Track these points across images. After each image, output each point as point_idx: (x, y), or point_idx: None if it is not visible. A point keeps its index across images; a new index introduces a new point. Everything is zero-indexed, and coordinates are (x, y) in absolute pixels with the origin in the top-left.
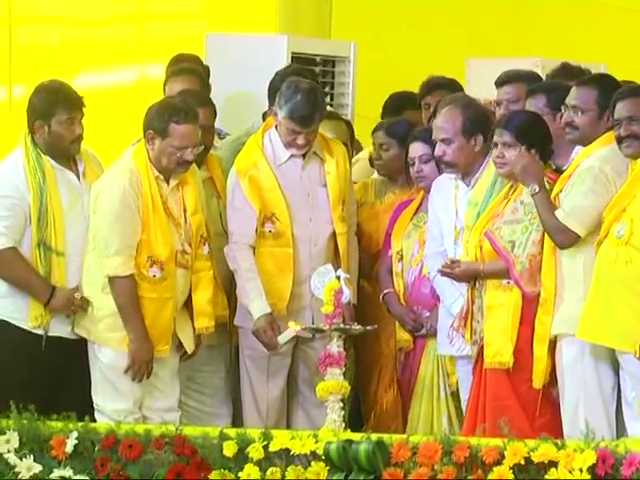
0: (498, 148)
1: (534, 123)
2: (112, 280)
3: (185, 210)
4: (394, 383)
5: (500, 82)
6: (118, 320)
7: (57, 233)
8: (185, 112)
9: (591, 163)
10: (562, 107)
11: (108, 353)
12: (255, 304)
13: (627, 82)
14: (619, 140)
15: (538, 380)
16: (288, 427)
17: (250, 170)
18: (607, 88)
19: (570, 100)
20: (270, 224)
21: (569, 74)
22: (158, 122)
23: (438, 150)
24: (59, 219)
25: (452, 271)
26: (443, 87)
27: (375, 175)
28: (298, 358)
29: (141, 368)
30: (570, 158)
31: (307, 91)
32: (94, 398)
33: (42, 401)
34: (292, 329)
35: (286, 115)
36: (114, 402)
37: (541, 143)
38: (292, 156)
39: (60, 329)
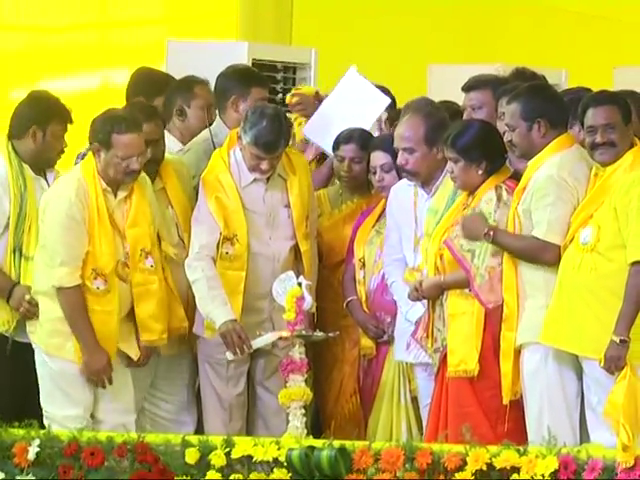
0: (449, 162)
1: (479, 136)
2: (59, 291)
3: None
4: (356, 392)
5: (466, 88)
6: (59, 325)
7: (31, 239)
8: (126, 122)
9: (548, 172)
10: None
11: (57, 359)
12: (219, 311)
13: (576, 88)
14: (593, 147)
15: (507, 395)
16: (247, 434)
17: (217, 189)
18: (528, 101)
19: (505, 120)
20: (229, 245)
21: (522, 79)
22: (101, 134)
23: (400, 159)
24: (34, 226)
25: (418, 294)
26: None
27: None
28: (257, 365)
29: (99, 377)
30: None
31: (272, 117)
32: (44, 405)
33: (13, 408)
34: (273, 334)
35: (251, 141)
36: (64, 409)
37: (487, 154)
38: (255, 179)
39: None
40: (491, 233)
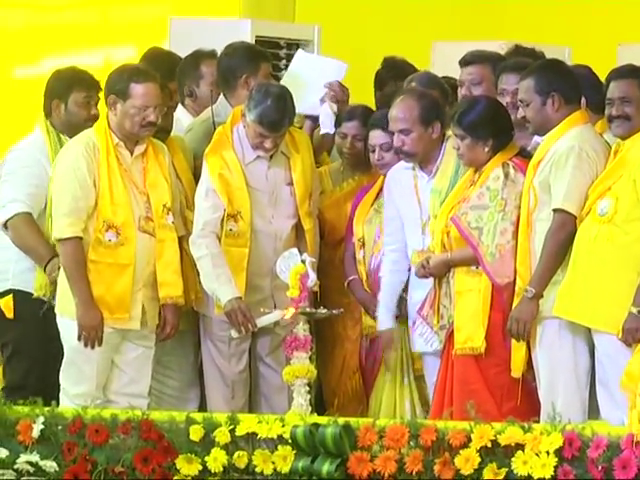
0: (456, 139)
1: (486, 113)
2: (58, 243)
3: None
4: (358, 369)
5: (464, 62)
6: None
7: None
8: (145, 72)
9: (569, 143)
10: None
11: (74, 332)
12: (224, 288)
13: (577, 66)
14: (609, 119)
15: (517, 369)
16: (250, 412)
17: (221, 167)
18: (542, 75)
19: (520, 95)
20: (233, 222)
21: (522, 55)
22: (118, 84)
23: (396, 141)
24: None
25: (425, 272)
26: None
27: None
28: (258, 342)
29: (90, 334)
30: (534, 141)
31: (277, 96)
32: (61, 380)
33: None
34: (277, 313)
35: (255, 119)
36: (76, 385)
37: (494, 131)
38: (259, 156)
39: None
40: (533, 290)
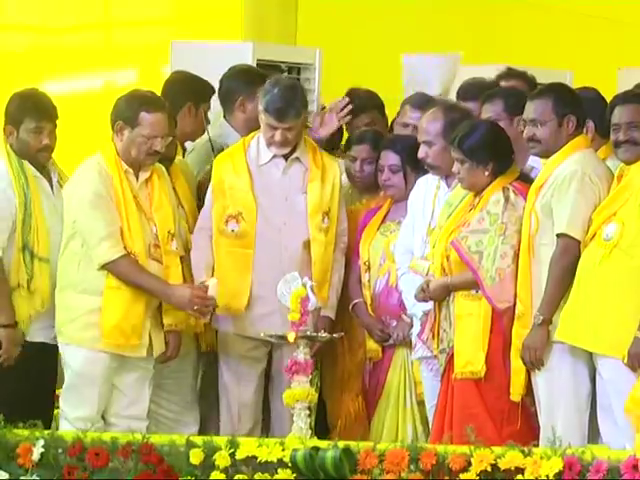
0: (456, 163)
1: (486, 137)
2: (108, 267)
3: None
4: (361, 392)
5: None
6: (92, 318)
7: (40, 239)
8: (155, 101)
9: (572, 168)
10: (519, 116)
11: (79, 357)
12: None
13: (584, 88)
14: (616, 144)
15: (516, 393)
16: (267, 433)
17: (225, 170)
18: (561, 95)
19: (528, 114)
20: (234, 223)
21: (513, 78)
22: (128, 111)
23: (421, 152)
24: (42, 225)
25: (425, 295)
26: None
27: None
28: (275, 364)
29: (196, 305)
30: (527, 163)
31: (285, 86)
32: (61, 403)
33: (29, 408)
34: (213, 281)
35: (262, 108)
36: (77, 409)
37: (494, 155)
38: (274, 157)
39: (42, 334)
40: (541, 317)
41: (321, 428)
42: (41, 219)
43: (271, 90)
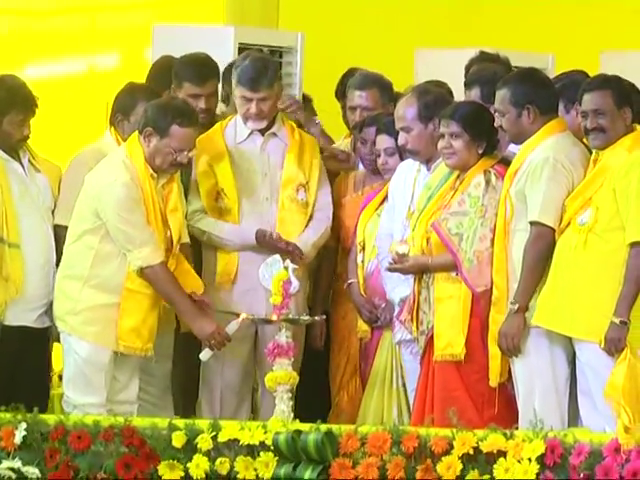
0: (445, 138)
1: (480, 114)
2: (145, 271)
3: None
4: (357, 373)
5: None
6: (97, 313)
7: (9, 224)
8: (189, 115)
9: (544, 154)
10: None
11: (85, 346)
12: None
13: (573, 72)
14: (586, 132)
15: (494, 378)
16: (255, 415)
17: (204, 150)
18: (517, 87)
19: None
20: (220, 199)
21: (486, 61)
22: (160, 120)
23: (400, 139)
24: (10, 210)
25: (401, 266)
26: None
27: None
28: (260, 345)
29: (216, 339)
30: (507, 149)
31: (255, 57)
32: (65, 391)
33: (13, 391)
34: (236, 321)
35: (235, 81)
36: (86, 396)
37: (487, 133)
38: (251, 134)
39: (23, 318)
40: (516, 307)
41: (325, 407)
42: (9, 204)
43: (242, 62)
